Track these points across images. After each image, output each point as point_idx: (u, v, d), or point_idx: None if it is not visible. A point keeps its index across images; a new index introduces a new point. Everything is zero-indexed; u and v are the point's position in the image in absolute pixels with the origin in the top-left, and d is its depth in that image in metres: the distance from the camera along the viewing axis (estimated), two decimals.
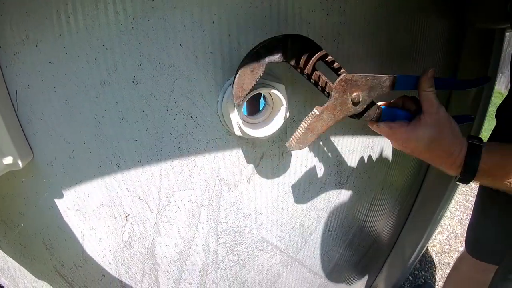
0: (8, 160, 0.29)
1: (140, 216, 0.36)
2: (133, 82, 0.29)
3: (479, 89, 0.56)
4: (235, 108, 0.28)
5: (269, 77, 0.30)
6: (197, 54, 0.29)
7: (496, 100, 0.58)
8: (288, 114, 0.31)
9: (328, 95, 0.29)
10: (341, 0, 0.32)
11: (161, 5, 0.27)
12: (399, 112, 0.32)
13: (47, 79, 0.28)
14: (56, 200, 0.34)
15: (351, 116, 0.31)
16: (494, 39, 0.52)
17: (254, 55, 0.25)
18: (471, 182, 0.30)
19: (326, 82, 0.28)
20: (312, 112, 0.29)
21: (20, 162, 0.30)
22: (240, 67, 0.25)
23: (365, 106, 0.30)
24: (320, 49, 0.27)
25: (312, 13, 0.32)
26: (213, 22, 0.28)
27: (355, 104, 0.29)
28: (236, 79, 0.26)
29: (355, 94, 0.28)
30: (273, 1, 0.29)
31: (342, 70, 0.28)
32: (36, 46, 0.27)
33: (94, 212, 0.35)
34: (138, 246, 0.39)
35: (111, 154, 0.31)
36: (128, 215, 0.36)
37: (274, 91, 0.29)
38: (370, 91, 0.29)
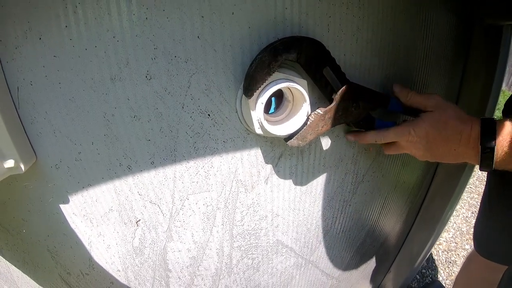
0: (10, 163, 0.27)
1: (151, 221, 0.34)
2: (146, 77, 0.27)
3: (487, 86, 0.56)
4: (256, 104, 0.26)
5: (290, 72, 0.28)
6: (215, 47, 0.27)
7: (499, 98, 0.57)
8: (310, 111, 0.30)
9: (331, 100, 0.31)
10: None
11: None
12: (390, 125, 0.35)
13: (51, 75, 0.26)
14: (61, 206, 0.32)
15: (347, 123, 0.34)
16: (502, 35, 0.52)
17: (272, 50, 0.26)
18: (493, 164, 0.27)
19: (331, 88, 0.30)
20: (316, 112, 0.30)
21: (22, 166, 0.28)
22: (256, 59, 0.25)
23: (362, 116, 0.33)
24: (329, 55, 0.29)
25: (332, 6, 0.30)
26: (233, 13, 0.26)
27: (354, 111, 0.32)
28: (251, 71, 0.25)
29: (355, 103, 0.31)
30: None
31: (346, 78, 0.31)
32: (40, 38, 0.25)
33: (102, 217, 0.33)
34: (149, 252, 0.37)
35: (121, 155, 0.29)
36: (139, 220, 0.34)
37: (296, 86, 0.27)
38: (368, 102, 0.32)
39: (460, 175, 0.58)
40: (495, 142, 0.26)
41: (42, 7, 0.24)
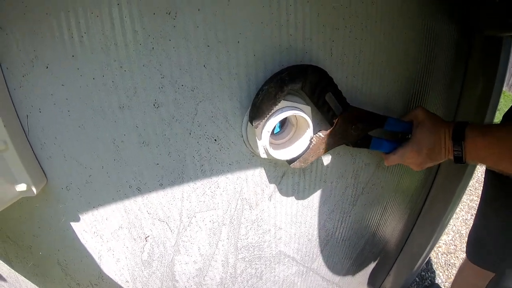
0: (22, 187, 0.28)
1: (160, 237, 0.35)
2: (154, 105, 0.27)
3: (487, 88, 0.56)
4: (262, 133, 0.27)
5: (295, 98, 0.29)
6: (221, 76, 0.27)
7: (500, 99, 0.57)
8: (312, 135, 0.31)
9: (332, 123, 0.32)
10: (363, 16, 0.31)
11: (183, 24, 0.25)
12: (385, 142, 0.38)
13: (60, 103, 0.27)
14: (72, 224, 0.33)
15: (346, 144, 0.35)
16: (502, 43, 0.52)
17: (279, 81, 0.26)
18: (463, 158, 0.33)
19: (333, 112, 0.32)
20: (317, 135, 0.32)
21: (34, 189, 0.29)
22: (262, 90, 0.26)
23: (360, 137, 0.35)
24: (332, 81, 0.30)
25: (336, 31, 0.30)
26: (238, 42, 0.27)
27: (354, 133, 0.34)
28: (258, 102, 0.26)
29: (354, 125, 0.33)
30: (299, 20, 0.28)
31: (347, 102, 0.32)
32: (47, 67, 0.26)
33: (112, 234, 0.34)
34: (157, 265, 0.38)
35: (131, 178, 0.30)
36: (148, 236, 0.35)
37: (301, 114, 0.28)
38: (367, 124, 0.34)
39: (460, 177, 0.59)
40: (464, 141, 0.32)
41: (48, 37, 0.24)
